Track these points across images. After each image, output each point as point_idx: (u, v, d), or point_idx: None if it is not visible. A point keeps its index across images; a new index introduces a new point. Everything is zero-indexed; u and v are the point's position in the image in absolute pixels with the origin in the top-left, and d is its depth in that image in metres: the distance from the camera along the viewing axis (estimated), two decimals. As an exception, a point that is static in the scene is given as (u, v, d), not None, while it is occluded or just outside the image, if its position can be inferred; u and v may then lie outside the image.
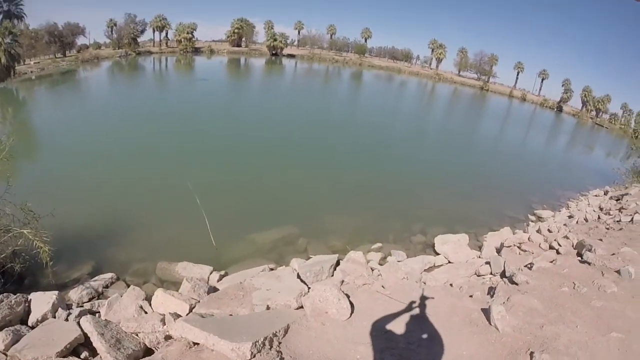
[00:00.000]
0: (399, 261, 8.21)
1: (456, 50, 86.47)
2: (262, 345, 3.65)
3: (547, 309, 4.56)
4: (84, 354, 4.29)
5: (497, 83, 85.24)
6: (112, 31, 59.25)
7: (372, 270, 7.32)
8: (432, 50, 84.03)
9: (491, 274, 7.21)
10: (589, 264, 6.13)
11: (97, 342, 4.29)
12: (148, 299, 5.65)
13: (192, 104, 25.87)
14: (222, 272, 7.24)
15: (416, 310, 4.62)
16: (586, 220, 10.73)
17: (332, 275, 6.91)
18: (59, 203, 7.41)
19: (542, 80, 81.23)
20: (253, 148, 16.38)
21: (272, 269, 7.25)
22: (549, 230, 9.78)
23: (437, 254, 9.05)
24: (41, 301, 5.12)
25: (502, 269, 6.98)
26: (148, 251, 7.85)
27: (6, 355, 4.06)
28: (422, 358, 3.74)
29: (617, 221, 9.36)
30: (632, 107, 69.97)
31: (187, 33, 66.00)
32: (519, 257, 7.92)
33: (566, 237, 8.25)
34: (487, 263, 7.67)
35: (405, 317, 4.48)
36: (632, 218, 9.07)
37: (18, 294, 5.06)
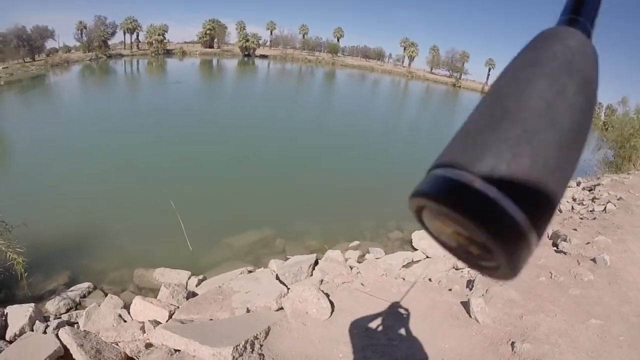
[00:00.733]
0: (377, 258, 8.31)
1: (428, 48, 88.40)
2: (243, 348, 3.75)
3: (525, 299, 4.68)
4: (64, 366, 4.27)
5: (469, 80, 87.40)
6: (82, 34, 57.58)
7: (351, 268, 7.42)
8: (405, 49, 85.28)
9: (469, 267, 7.42)
10: (565, 253, 6.18)
11: (77, 353, 4.28)
12: (127, 307, 5.64)
13: (166, 109, 25.44)
14: (201, 277, 7.21)
15: (396, 306, 4.69)
16: (560, 211, 11.06)
17: (312, 275, 7.00)
18: (31, 212, 7.24)
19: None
20: (227, 153, 16.36)
21: (250, 271, 7.25)
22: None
23: (415, 249, 9.18)
24: (18, 314, 5.04)
25: (479, 261, 7.20)
26: (124, 258, 7.76)
27: (-17, 371, 4.00)
28: (404, 353, 3.85)
29: (591, 211, 9.48)
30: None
31: (159, 35, 64.80)
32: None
33: (541, 228, 8.49)
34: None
35: (386, 314, 4.59)
36: (605, 207, 9.17)
37: (-7, 309, 4.97)
